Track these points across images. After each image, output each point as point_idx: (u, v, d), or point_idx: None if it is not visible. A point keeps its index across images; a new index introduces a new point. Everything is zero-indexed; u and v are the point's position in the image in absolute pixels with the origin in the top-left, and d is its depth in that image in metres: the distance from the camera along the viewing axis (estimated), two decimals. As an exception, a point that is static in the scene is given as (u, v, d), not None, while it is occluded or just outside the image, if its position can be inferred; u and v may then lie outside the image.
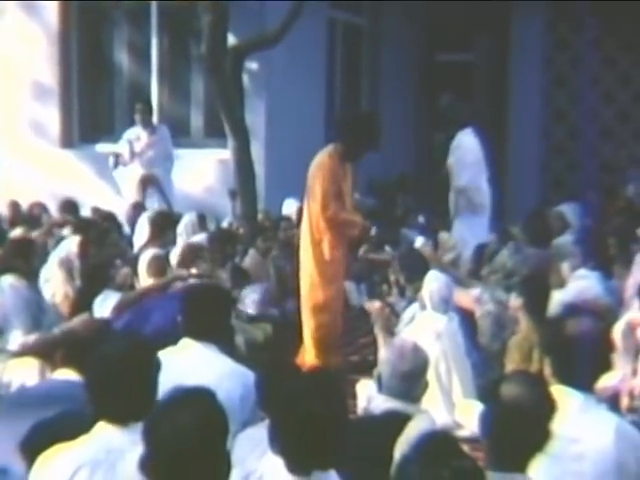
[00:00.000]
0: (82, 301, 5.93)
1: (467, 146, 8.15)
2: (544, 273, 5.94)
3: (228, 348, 4.16)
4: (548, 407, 2.64)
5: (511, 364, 4.75)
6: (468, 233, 7.92)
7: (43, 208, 8.61)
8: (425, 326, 4.99)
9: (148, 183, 8.62)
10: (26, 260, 5.62)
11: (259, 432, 3.19)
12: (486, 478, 2.32)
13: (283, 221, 8.23)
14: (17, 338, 5.13)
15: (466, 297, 5.72)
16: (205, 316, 3.95)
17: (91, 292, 5.91)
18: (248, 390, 3.66)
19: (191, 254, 6.23)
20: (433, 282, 5.20)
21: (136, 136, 8.79)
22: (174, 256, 6.12)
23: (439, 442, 2.61)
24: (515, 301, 5.08)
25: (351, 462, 2.88)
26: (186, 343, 3.91)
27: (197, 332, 3.92)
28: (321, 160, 5.77)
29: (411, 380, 3.49)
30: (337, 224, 5.75)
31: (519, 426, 2.58)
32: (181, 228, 7.75)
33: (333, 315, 5.85)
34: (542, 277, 5.65)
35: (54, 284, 6.09)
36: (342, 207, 5.75)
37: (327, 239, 5.79)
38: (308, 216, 5.91)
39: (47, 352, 4.96)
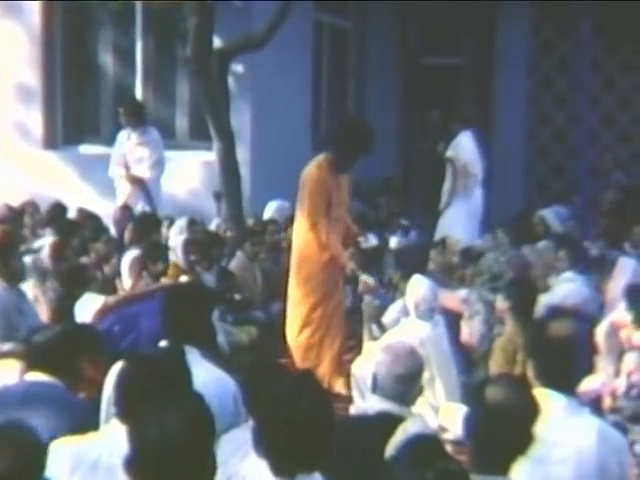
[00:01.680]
0: (62, 305, 5.90)
1: (465, 145, 8.30)
2: (529, 276, 5.97)
3: (211, 349, 4.16)
4: (531, 410, 2.65)
5: (495, 366, 4.77)
6: (464, 211, 8.11)
7: (35, 208, 8.54)
8: (408, 333, 4.97)
9: (133, 184, 8.57)
10: (5, 262, 5.56)
11: (242, 434, 3.18)
12: (468, 477, 2.32)
13: (270, 224, 8.22)
14: None
15: (452, 298, 5.72)
16: (187, 318, 3.94)
17: (71, 295, 5.88)
18: (228, 396, 3.70)
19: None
20: (418, 288, 5.19)
21: (127, 136, 8.72)
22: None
23: (424, 444, 2.61)
24: (502, 303, 5.09)
25: (343, 461, 2.92)
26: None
27: (179, 334, 3.91)
28: (309, 172, 5.75)
29: (406, 383, 3.53)
30: (323, 247, 5.74)
31: (502, 429, 2.59)
32: (172, 232, 7.75)
33: (318, 331, 5.82)
34: (528, 280, 5.67)
35: (27, 287, 6.04)
36: (330, 222, 5.70)
37: (314, 255, 5.78)
38: (297, 229, 5.92)
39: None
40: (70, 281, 6.01)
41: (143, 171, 8.63)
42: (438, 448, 2.73)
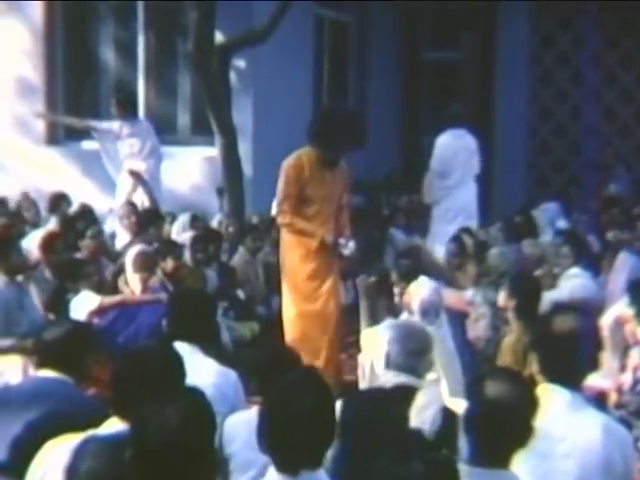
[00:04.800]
0: (55, 298, 5.92)
1: (440, 145, 8.20)
2: (533, 272, 5.96)
3: (214, 346, 4.25)
4: (530, 403, 2.66)
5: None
6: (449, 216, 8.04)
7: (32, 202, 8.56)
8: None
9: (132, 178, 8.57)
10: (5, 256, 5.56)
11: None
12: (459, 471, 2.33)
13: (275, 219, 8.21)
14: None
15: (457, 298, 5.70)
16: (190, 319, 4.04)
17: (64, 289, 5.90)
18: (229, 385, 3.89)
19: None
20: (422, 289, 5.17)
21: (118, 127, 8.71)
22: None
23: (411, 437, 2.63)
24: (506, 302, 5.06)
25: (363, 433, 3.05)
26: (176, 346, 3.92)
27: (182, 334, 3.99)
28: (287, 162, 5.62)
29: (418, 356, 3.78)
30: (294, 232, 5.62)
31: (501, 422, 2.61)
32: (174, 228, 7.76)
33: (304, 324, 5.64)
34: (532, 277, 5.63)
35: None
36: (306, 213, 5.56)
37: (289, 243, 5.67)
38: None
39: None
40: (64, 274, 6.03)
41: (139, 164, 8.62)
42: (425, 440, 2.77)
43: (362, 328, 5.69)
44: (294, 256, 5.66)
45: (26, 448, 2.79)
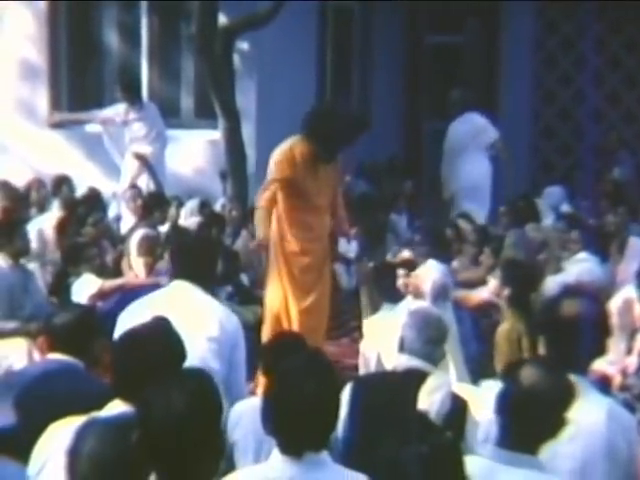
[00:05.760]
0: (59, 281, 5.95)
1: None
2: (535, 257, 5.96)
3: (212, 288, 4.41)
4: (568, 395, 2.68)
5: (500, 355, 4.72)
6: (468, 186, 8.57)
7: (41, 184, 8.58)
8: None
9: (138, 161, 8.59)
10: (9, 240, 5.57)
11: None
12: (463, 454, 2.36)
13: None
14: None
15: (472, 298, 5.69)
16: (193, 258, 4.18)
17: (66, 273, 5.93)
18: (233, 327, 4.05)
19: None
20: (433, 272, 5.18)
21: (124, 110, 8.72)
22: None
23: (417, 420, 2.65)
24: (499, 290, 5.05)
25: (371, 415, 3.09)
26: (179, 284, 4.13)
27: (185, 273, 4.13)
28: (278, 153, 5.52)
29: (434, 344, 3.80)
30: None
31: (535, 409, 2.63)
32: (182, 213, 7.79)
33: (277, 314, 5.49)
34: (525, 264, 5.62)
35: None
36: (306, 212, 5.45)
37: (282, 235, 5.53)
38: None
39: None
40: (67, 258, 6.06)
41: (145, 147, 8.64)
42: (429, 422, 2.79)
43: (364, 315, 5.71)
44: (289, 248, 5.53)
45: (33, 427, 2.82)
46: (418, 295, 5.13)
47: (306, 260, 5.48)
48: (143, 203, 7.53)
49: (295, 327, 5.36)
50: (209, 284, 4.23)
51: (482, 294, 5.70)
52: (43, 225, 7.01)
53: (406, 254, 6.02)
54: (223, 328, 3.98)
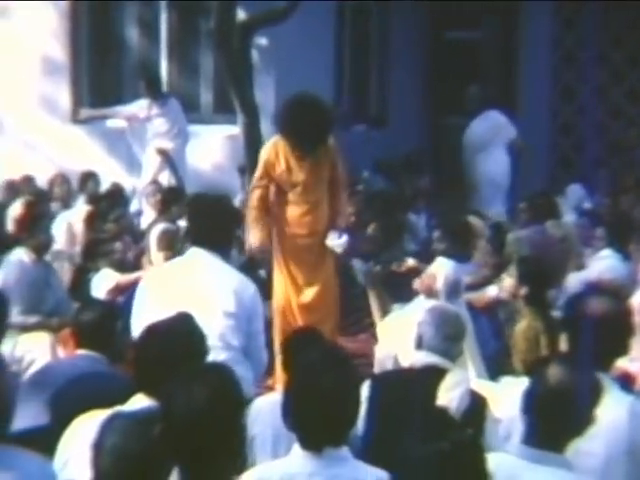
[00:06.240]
0: (79, 276, 5.99)
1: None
2: (556, 253, 5.94)
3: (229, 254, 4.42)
4: (595, 393, 2.68)
5: (518, 354, 4.69)
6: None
7: (65, 180, 8.63)
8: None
9: (160, 157, 8.64)
10: (32, 234, 5.61)
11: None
12: (484, 451, 2.35)
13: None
14: (14, 315, 5.02)
15: (482, 298, 5.67)
16: (209, 224, 4.14)
17: (86, 268, 5.97)
18: (249, 294, 4.06)
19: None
20: (446, 269, 5.17)
21: (147, 106, 8.78)
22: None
23: (437, 416, 2.65)
24: (516, 289, 5.04)
25: (390, 411, 3.12)
26: (196, 252, 4.12)
27: (201, 240, 4.11)
28: (263, 149, 5.57)
29: (453, 341, 3.81)
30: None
31: (561, 407, 2.62)
32: None
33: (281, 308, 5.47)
34: (540, 262, 5.59)
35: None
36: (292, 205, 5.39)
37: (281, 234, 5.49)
38: None
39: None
40: (85, 254, 6.10)
41: (166, 143, 8.68)
42: (450, 419, 2.79)
43: (375, 319, 5.70)
44: (285, 244, 5.50)
45: (64, 424, 2.85)
46: (431, 294, 5.10)
47: (301, 255, 5.45)
48: (161, 198, 7.56)
49: (299, 323, 5.36)
50: (226, 250, 4.20)
51: (490, 293, 5.68)
52: (71, 219, 7.05)
53: (411, 262, 6.03)
54: (240, 300, 3.99)
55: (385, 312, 5.50)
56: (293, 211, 5.41)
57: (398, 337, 4.64)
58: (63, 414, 3.06)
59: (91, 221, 6.51)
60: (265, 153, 5.48)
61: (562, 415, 2.62)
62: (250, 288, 4.10)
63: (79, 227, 6.75)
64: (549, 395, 2.64)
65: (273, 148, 5.43)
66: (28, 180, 8.67)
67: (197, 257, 4.11)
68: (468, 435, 2.37)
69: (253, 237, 5.48)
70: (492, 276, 6.14)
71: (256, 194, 5.46)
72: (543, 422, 2.63)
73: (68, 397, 3.24)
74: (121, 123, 9.14)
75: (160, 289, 4.05)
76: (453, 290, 5.09)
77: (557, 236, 6.72)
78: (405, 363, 4.15)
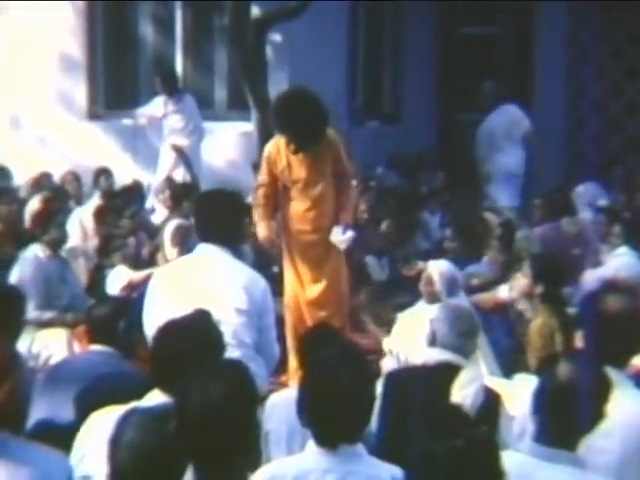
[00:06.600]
0: (95, 273, 6.01)
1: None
2: (571, 250, 5.92)
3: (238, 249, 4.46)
4: (604, 388, 2.67)
5: (533, 351, 4.67)
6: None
7: (75, 177, 8.67)
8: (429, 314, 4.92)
9: (175, 154, 8.68)
10: (46, 230, 5.64)
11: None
12: (499, 448, 2.35)
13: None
14: (30, 311, 5.05)
15: (491, 299, 5.65)
16: (217, 219, 4.13)
17: (102, 265, 6.00)
18: (258, 289, 4.05)
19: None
20: (440, 266, 5.14)
21: (163, 103, 8.83)
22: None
23: (451, 413, 2.64)
24: (530, 288, 5.02)
25: (404, 408, 3.14)
26: (205, 248, 4.12)
27: (210, 236, 4.10)
28: (266, 147, 5.57)
29: (467, 338, 3.82)
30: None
31: (571, 404, 2.61)
32: None
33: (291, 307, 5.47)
34: (553, 259, 5.58)
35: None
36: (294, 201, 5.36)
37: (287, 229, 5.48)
38: None
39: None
40: (99, 250, 6.13)
41: (182, 140, 8.72)
42: (464, 416, 2.78)
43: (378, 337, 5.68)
44: (291, 240, 5.49)
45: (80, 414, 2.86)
46: (433, 298, 5.04)
47: (307, 251, 5.43)
48: (172, 194, 7.58)
49: (307, 319, 5.36)
50: (235, 245, 4.20)
51: (501, 294, 5.65)
52: (82, 215, 7.09)
53: (421, 265, 6.02)
54: (251, 296, 3.99)
55: (388, 324, 5.53)
56: (296, 207, 5.39)
57: (401, 337, 4.66)
58: (85, 408, 3.08)
59: (101, 216, 6.53)
60: (267, 150, 5.48)
61: (572, 412, 2.61)
62: (260, 283, 4.10)
63: (89, 223, 6.77)
64: (558, 392, 2.64)
65: (275, 145, 5.43)
66: (46, 177, 8.71)
67: (207, 253, 4.12)
68: (483, 432, 2.35)
69: (260, 232, 5.49)
70: (502, 275, 6.12)
71: (261, 192, 5.47)
72: (553, 420, 2.63)
73: (91, 391, 3.25)
74: (137, 120, 9.18)
75: (171, 287, 4.05)
76: (451, 286, 5.04)
77: (572, 233, 6.71)
78: (413, 361, 4.14)
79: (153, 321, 3.65)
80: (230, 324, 3.84)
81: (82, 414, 3.02)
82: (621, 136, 11.24)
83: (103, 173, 8.60)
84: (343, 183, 5.47)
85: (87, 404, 3.06)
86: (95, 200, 7.67)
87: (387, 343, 5.18)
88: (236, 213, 4.31)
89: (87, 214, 7.07)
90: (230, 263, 4.10)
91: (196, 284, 3.94)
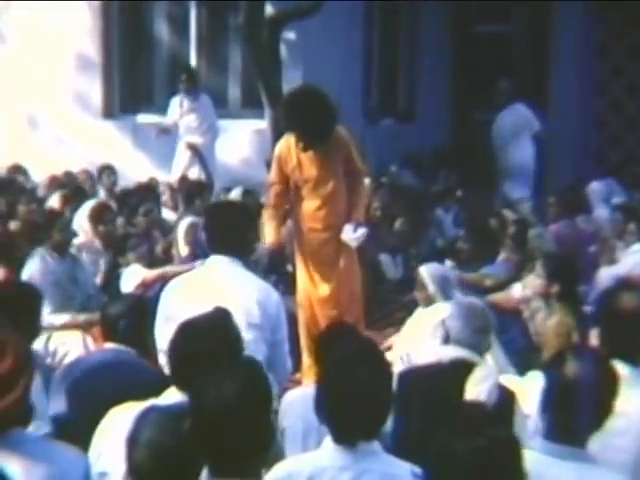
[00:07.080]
0: (109, 274, 5.99)
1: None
2: (587, 248, 5.90)
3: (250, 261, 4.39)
4: (610, 384, 2.65)
5: (550, 350, 4.63)
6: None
7: (89, 175, 8.68)
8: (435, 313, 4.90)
9: (191, 152, 8.72)
10: (48, 234, 5.56)
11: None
12: (522, 448, 2.33)
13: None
14: (45, 315, 4.96)
15: (506, 299, 5.63)
16: (227, 231, 4.09)
17: (116, 264, 5.98)
18: (270, 302, 4.01)
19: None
20: (426, 271, 5.05)
21: (179, 102, 8.90)
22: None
23: (472, 411, 2.62)
24: (546, 288, 4.99)
25: (421, 405, 3.13)
26: (216, 260, 4.08)
27: (221, 247, 4.07)
28: (276, 146, 5.55)
29: (480, 334, 3.78)
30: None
31: (579, 401, 2.59)
32: None
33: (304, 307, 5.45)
34: (568, 258, 5.55)
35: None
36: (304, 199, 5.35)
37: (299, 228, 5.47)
38: None
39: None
40: (113, 250, 6.12)
41: (197, 138, 8.76)
42: (486, 414, 2.76)
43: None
44: (303, 238, 5.48)
45: (94, 413, 2.87)
46: (428, 302, 4.94)
47: (319, 250, 5.40)
48: (185, 191, 7.59)
49: (320, 317, 5.34)
50: (246, 256, 4.16)
51: (514, 294, 5.61)
52: (78, 215, 7.02)
53: None
54: (264, 311, 3.94)
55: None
56: (307, 206, 5.38)
57: (407, 340, 4.66)
58: (86, 402, 3.08)
59: (98, 216, 6.42)
60: (278, 149, 5.46)
61: (579, 408, 2.59)
62: (273, 296, 4.04)
63: (85, 222, 6.73)
64: (565, 389, 2.62)
65: (285, 143, 5.40)
66: (68, 175, 8.75)
67: (218, 266, 4.07)
68: (505, 431, 2.32)
69: (267, 235, 5.46)
70: (516, 274, 6.10)
71: (272, 191, 5.45)
72: (561, 416, 2.61)
73: (92, 385, 3.26)
74: (152, 119, 9.23)
75: (182, 300, 3.99)
76: (444, 286, 4.95)
77: (588, 231, 6.69)
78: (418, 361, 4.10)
79: (165, 334, 3.58)
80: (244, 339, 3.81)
81: (95, 411, 3.02)
82: (637, 134, 11.19)
83: (106, 170, 8.59)
84: (355, 181, 5.45)
85: (102, 401, 3.06)
86: (94, 200, 7.60)
87: (396, 345, 5.16)
88: (244, 224, 4.27)
89: (80, 213, 7.01)
90: (242, 275, 4.05)
91: (208, 298, 3.82)
